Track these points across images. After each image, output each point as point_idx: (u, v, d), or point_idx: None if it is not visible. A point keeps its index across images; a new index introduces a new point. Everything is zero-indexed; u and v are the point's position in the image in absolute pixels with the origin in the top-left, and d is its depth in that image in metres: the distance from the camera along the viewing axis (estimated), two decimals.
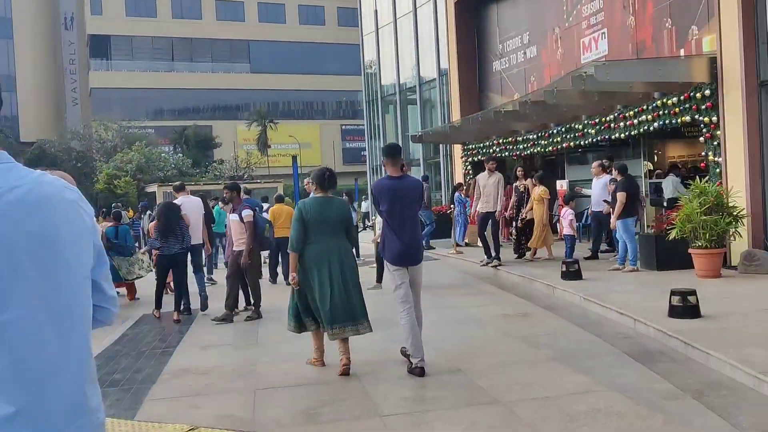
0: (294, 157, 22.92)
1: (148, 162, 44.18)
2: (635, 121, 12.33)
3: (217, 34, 65.90)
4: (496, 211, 11.91)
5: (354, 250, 6.62)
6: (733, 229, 9.39)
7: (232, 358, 6.92)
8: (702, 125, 10.70)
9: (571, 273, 9.91)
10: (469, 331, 7.45)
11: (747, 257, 9.62)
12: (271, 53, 67.23)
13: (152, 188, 38.71)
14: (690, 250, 9.51)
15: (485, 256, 12.45)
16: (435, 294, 10.32)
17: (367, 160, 29.19)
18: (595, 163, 12.89)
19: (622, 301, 8.02)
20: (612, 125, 13.17)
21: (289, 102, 69.04)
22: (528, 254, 12.88)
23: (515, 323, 7.78)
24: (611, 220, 10.82)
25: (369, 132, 27.93)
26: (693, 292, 6.84)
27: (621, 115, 12.82)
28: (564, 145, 15.18)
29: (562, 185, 15.41)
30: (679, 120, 11.12)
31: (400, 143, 25.63)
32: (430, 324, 7.94)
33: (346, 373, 5.79)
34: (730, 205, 9.43)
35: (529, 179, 13.39)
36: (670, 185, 13.53)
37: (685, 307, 6.79)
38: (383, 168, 6.10)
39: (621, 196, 10.47)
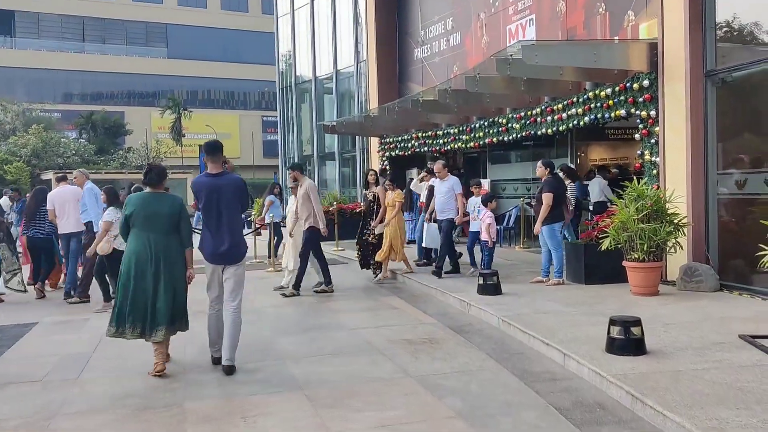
0: (200, 146, 20.98)
1: (45, 147, 40.69)
2: (564, 114, 11.05)
3: (133, 15, 62.44)
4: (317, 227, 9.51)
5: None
6: (674, 240, 8.11)
7: (30, 403, 5.03)
8: (638, 120, 9.44)
9: (489, 287, 8.44)
10: (357, 367, 5.80)
11: (687, 272, 8.38)
12: (191, 38, 64.22)
13: (48, 175, 35.61)
14: (625, 263, 8.19)
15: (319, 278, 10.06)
16: (329, 309, 8.69)
17: (279, 153, 27.01)
18: (438, 163, 10.86)
19: (547, 325, 6.56)
20: (538, 119, 11.85)
21: (208, 90, 66.21)
22: (380, 275, 10.75)
23: (418, 354, 6.18)
24: (536, 226, 9.36)
25: (282, 123, 25.93)
26: (637, 322, 5.42)
27: (548, 108, 11.51)
28: (486, 140, 13.81)
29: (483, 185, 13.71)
30: (612, 114, 9.84)
31: (314, 135, 23.84)
32: (312, 355, 6.31)
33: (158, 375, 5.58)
34: (671, 212, 8.15)
35: (379, 186, 11.08)
36: (597, 188, 12.41)
37: (628, 341, 5.36)
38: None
39: (547, 198, 9.04)
